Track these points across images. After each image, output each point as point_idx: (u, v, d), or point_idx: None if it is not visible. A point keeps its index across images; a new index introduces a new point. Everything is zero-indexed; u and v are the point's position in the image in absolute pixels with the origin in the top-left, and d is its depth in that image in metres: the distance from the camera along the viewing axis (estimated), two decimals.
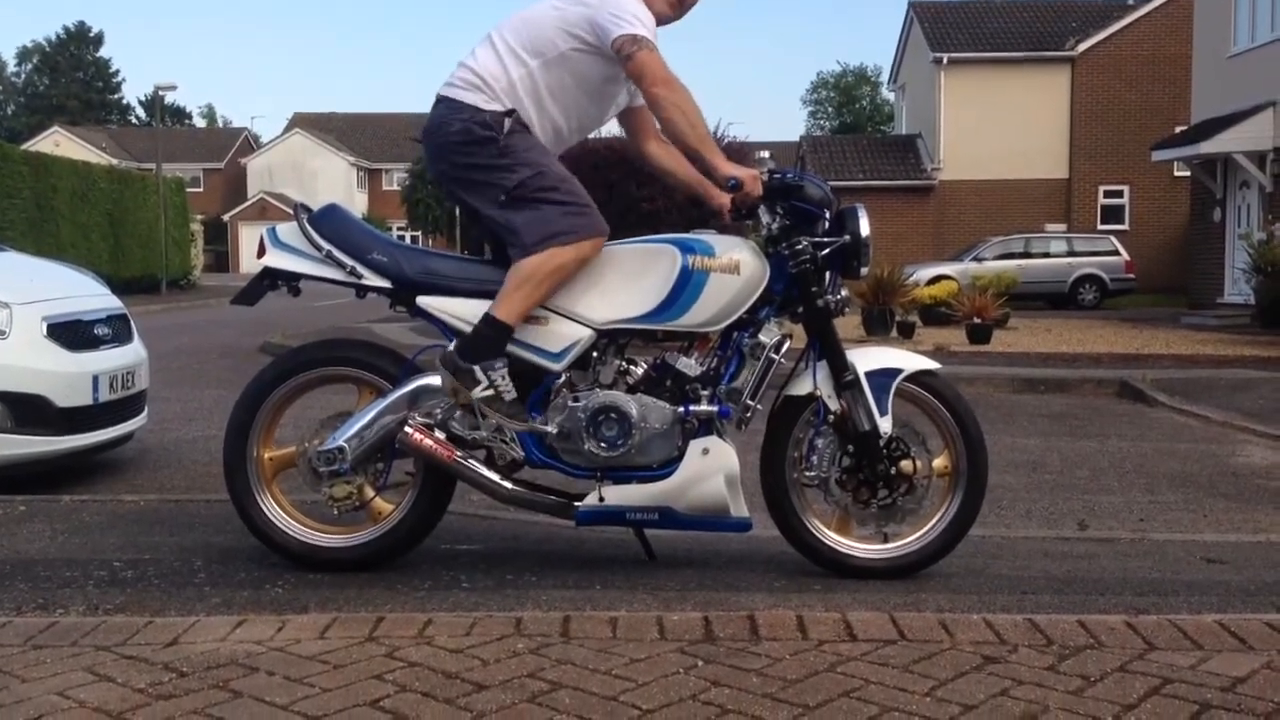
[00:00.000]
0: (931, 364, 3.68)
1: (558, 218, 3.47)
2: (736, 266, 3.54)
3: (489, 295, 3.57)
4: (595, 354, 3.62)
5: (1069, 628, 2.92)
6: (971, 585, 3.61)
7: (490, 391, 3.48)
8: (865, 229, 3.60)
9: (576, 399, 3.53)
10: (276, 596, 3.39)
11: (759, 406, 3.61)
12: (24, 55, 79.55)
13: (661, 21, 3.66)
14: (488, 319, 3.48)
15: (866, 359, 3.64)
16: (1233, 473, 6.21)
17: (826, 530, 3.67)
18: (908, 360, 3.66)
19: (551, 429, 3.52)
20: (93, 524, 4.30)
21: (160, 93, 36.62)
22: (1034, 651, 2.76)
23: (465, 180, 3.60)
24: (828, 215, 3.63)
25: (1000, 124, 30.60)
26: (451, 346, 3.53)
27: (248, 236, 57.53)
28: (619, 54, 3.48)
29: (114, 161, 42.05)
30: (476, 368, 3.47)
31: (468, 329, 3.57)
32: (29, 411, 5.03)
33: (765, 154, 3.76)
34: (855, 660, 2.70)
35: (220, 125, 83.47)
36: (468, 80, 3.59)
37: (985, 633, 2.88)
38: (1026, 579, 3.73)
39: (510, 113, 3.54)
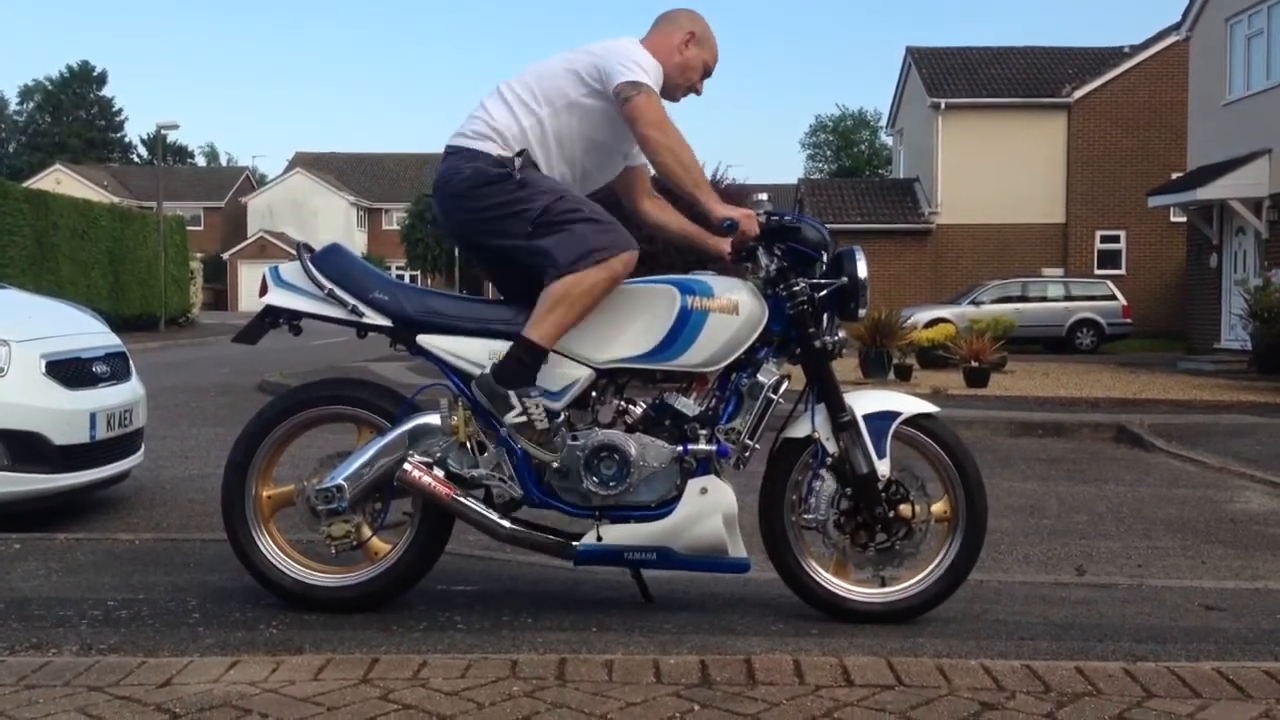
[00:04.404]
0: (930, 407, 3.68)
1: (590, 235, 3.48)
2: (735, 307, 3.56)
3: (489, 334, 3.59)
4: (594, 393, 3.62)
5: (1067, 674, 2.90)
6: (969, 630, 3.60)
7: (523, 418, 3.47)
8: (863, 271, 3.62)
9: (575, 438, 3.53)
10: (271, 637, 3.37)
11: (757, 446, 3.62)
12: (27, 94, 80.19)
13: (682, 91, 3.78)
14: (522, 341, 3.48)
15: (864, 401, 3.64)
16: (1230, 519, 6.20)
17: (824, 573, 3.66)
18: (906, 403, 3.67)
19: (552, 465, 3.52)
20: (87, 563, 4.29)
21: (162, 131, 36.82)
22: (1032, 698, 2.74)
23: (486, 222, 3.60)
24: (825, 257, 3.65)
25: (997, 169, 30.79)
26: (488, 369, 3.51)
27: (247, 275, 57.66)
28: (618, 98, 3.52)
29: (115, 199, 42.16)
30: (512, 393, 3.47)
31: (468, 367, 3.58)
32: (26, 449, 5.02)
33: (763, 196, 3.79)
34: (852, 706, 2.68)
35: (222, 164, 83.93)
36: (477, 131, 3.62)
37: (983, 679, 2.87)
38: (1024, 625, 3.72)
39: (520, 153, 3.58)
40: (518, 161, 3.56)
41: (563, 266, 3.46)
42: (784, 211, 3.71)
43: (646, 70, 3.56)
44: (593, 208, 3.57)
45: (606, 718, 2.58)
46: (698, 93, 3.87)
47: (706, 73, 3.84)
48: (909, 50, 34.62)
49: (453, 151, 3.66)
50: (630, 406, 3.63)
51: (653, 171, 3.82)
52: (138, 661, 2.95)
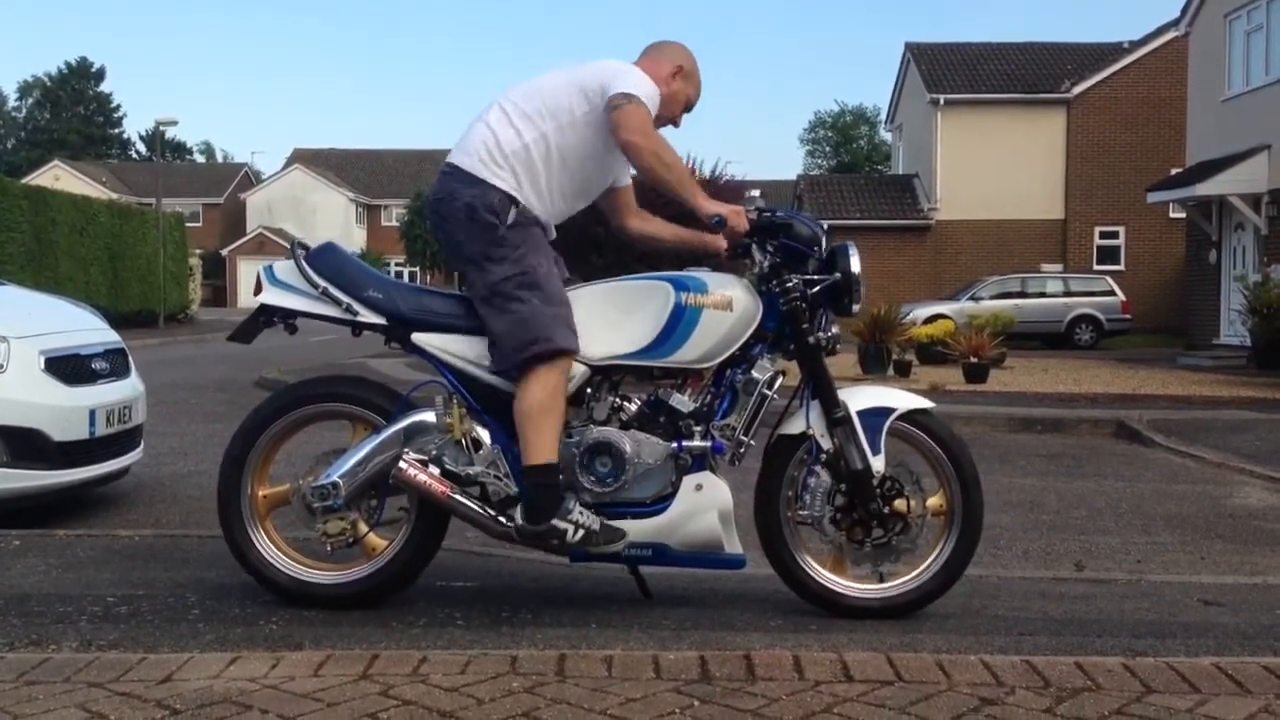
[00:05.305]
0: (925, 402, 3.68)
1: (531, 322, 3.44)
2: (729, 303, 3.55)
3: (483, 332, 3.58)
4: (589, 390, 3.62)
5: (1066, 669, 2.91)
6: (968, 626, 3.60)
7: (582, 533, 3.45)
8: (856, 266, 3.62)
9: (570, 435, 3.53)
10: (270, 633, 3.37)
11: (752, 442, 3.62)
12: (25, 90, 79.97)
13: (662, 123, 3.73)
14: (529, 471, 3.45)
15: (859, 398, 3.64)
16: (1230, 514, 6.20)
17: (821, 569, 3.66)
18: (901, 399, 3.67)
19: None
20: (87, 559, 4.29)
21: (161, 128, 36.79)
22: (1031, 694, 2.75)
23: (459, 256, 3.62)
24: (818, 253, 3.65)
25: (996, 165, 30.78)
26: (520, 519, 3.48)
27: (246, 271, 57.60)
28: (609, 107, 3.51)
29: (113, 196, 42.11)
30: (554, 522, 3.44)
31: (463, 365, 3.58)
32: (25, 445, 5.03)
33: (755, 192, 3.78)
34: (852, 701, 2.68)
35: (220, 160, 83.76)
36: (479, 150, 3.58)
37: (982, 674, 2.87)
38: (1023, 620, 3.72)
39: (515, 202, 3.54)
40: (511, 213, 3.53)
41: (508, 354, 3.46)
42: (775, 207, 3.71)
43: (641, 86, 3.55)
44: (549, 291, 3.50)
45: (606, 713, 2.58)
46: (675, 125, 3.85)
47: (688, 107, 3.83)
48: (908, 46, 34.60)
49: (453, 171, 3.62)
50: (625, 403, 3.62)
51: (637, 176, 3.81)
52: (137, 658, 2.95)
